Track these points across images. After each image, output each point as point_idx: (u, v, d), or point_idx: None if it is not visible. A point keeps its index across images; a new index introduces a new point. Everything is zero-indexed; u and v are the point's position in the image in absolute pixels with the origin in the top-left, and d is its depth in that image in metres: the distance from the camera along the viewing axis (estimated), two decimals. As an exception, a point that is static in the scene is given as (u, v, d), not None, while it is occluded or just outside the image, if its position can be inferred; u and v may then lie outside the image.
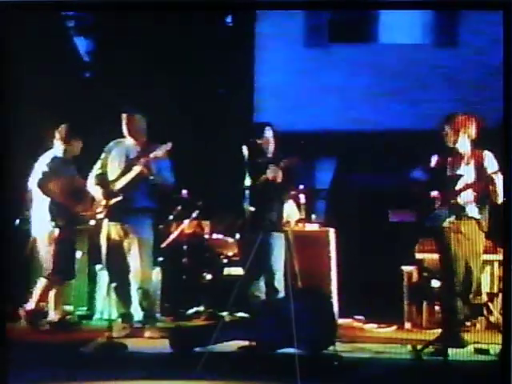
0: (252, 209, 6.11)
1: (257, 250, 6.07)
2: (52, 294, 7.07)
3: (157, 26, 10.26)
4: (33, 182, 7.07)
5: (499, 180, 5.65)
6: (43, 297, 7.08)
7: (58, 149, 7.15)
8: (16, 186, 6.38)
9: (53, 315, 7.07)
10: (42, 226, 7.06)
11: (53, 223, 7.00)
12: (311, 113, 10.13)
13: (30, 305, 7.04)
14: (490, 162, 5.88)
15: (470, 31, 9.99)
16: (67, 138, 7.13)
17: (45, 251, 7.05)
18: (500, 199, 5.70)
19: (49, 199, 7.02)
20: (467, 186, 5.86)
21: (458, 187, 5.87)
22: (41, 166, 7.09)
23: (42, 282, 7.06)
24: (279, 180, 6.14)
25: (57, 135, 7.15)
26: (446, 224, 5.84)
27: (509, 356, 4.74)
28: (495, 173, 5.73)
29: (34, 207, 7.14)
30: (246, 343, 5.76)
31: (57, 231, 7.00)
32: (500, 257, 6.58)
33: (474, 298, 5.93)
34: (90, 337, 6.31)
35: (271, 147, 6.38)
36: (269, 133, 6.39)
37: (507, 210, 4.95)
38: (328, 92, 10.31)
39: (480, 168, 5.89)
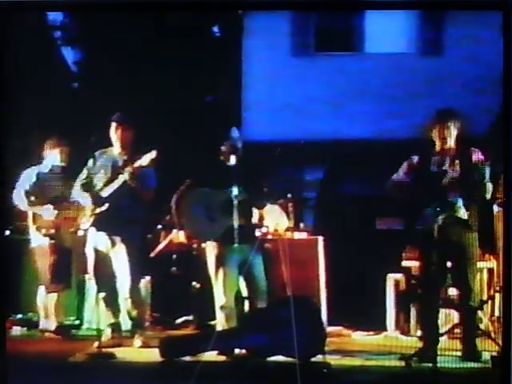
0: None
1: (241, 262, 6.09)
2: (52, 302, 7.08)
3: (144, 36, 10.28)
4: (18, 194, 7.09)
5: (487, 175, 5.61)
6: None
7: (45, 160, 7.19)
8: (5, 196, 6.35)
9: (50, 323, 7.07)
10: (37, 236, 7.13)
11: (43, 233, 7.04)
12: (298, 122, 10.15)
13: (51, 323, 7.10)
14: (478, 158, 5.83)
15: (457, 39, 10.07)
16: (55, 149, 7.17)
17: (43, 261, 7.09)
18: (488, 195, 5.68)
19: (35, 210, 7.08)
20: (454, 184, 5.79)
21: (444, 185, 5.80)
22: (28, 178, 7.13)
23: (42, 294, 7.13)
24: None
25: (45, 147, 7.19)
26: (435, 226, 5.72)
27: (508, 364, 4.74)
28: (483, 169, 5.69)
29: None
30: (236, 352, 5.76)
31: (47, 241, 7.03)
32: (489, 264, 6.60)
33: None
34: (79, 347, 6.30)
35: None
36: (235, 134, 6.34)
37: (506, 216, 4.91)
38: (315, 101, 10.35)
39: (467, 165, 5.83)
